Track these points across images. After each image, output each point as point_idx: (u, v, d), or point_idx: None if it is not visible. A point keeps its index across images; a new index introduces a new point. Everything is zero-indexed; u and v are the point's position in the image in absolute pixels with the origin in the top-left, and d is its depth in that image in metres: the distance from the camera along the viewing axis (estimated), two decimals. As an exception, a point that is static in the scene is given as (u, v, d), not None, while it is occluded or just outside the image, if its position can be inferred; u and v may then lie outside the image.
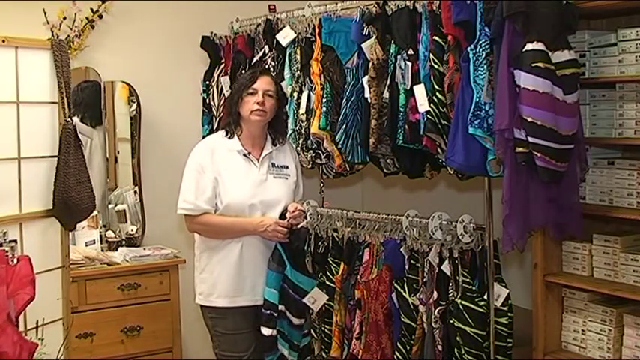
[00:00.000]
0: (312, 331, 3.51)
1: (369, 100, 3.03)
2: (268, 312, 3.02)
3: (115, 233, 4.08)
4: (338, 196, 4.07)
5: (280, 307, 3.05)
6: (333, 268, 3.39)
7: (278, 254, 3.04)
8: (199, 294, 3.11)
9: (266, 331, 3.03)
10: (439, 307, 2.97)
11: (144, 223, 4.16)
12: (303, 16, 3.45)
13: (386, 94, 2.98)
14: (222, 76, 3.84)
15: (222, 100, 3.81)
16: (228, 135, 3.08)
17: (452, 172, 2.88)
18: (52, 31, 3.73)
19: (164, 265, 3.85)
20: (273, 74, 3.31)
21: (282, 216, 3.05)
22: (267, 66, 3.58)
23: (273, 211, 3.06)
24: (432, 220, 3.08)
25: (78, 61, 3.91)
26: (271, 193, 3.07)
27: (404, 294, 3.10)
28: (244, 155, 3.06)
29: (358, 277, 3.27)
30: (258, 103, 3.01)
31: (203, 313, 3.14)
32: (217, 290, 3.03)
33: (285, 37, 3.46)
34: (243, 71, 3.75)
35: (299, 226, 3.07)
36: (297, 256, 3.11)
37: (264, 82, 3.06)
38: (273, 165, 3.12)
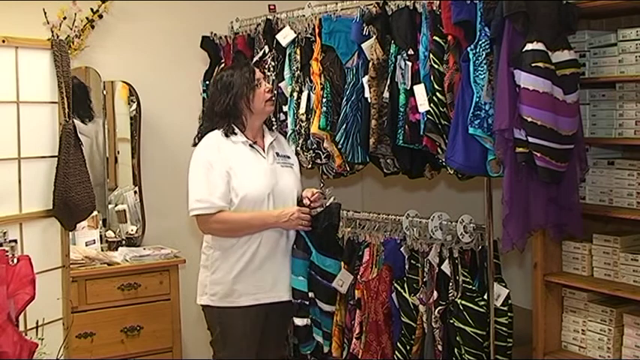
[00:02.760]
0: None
1: (369, 100, 3.02)
2: (299, 301, 2.97)
3: (115, 233, 4.08)
4: (338, 196, 4.06)
5: (310, 294, 3.00)
6: (333, 268, 3.39)
7: (302, 241, 2.98)
8: (212, 295, 2.96)
9: (300, 321, 2.99)
10: (439, 307, 2.97)
11: (144, 223, 4.16)
12: (303, 16, 3.45)
13: (386, 94, 2.98)
14: (222, 76, 3.84)
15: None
16: (229, 132, 2.98)
17: (452, 172, 2.88)
18: (52, 31, 3.73)
19: (164, 265, 3.85)
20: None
21: (300, 203, 3.01)
22: (267, 66, 3.59)
23: (288, 199, 3.00)
24: (432, 220, 3.08)
25: (78, 61, 3.92)
26: (283, 182, 3.01)
27: (404, 294, 3.10)
28: (250, 146, 2.99)
29: (358, 277, 3.26)
30: (268, 91, 3.03)
31: (209, 316, 3.01)
32: (238, 290, 2.92)
33: (285, 37, 3.46)
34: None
35: (328, 203, 3.02)
36: (322, 240, 3.02)
37: (259, 72, 3.09)
38: (277, 154, 3.08)
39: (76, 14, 3.86)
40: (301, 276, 2.98)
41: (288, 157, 3.14)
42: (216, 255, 2.98)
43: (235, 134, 2.99)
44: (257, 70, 3.07)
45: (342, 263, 3.19)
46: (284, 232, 3.00)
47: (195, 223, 3.01)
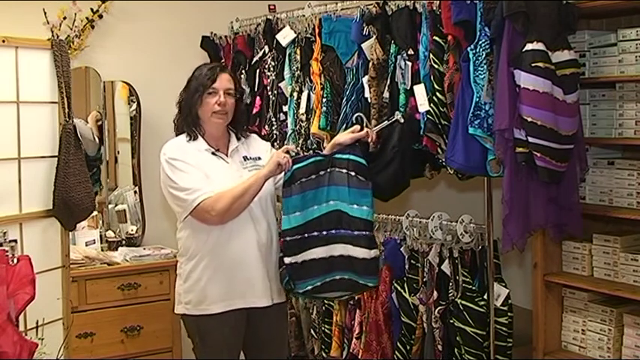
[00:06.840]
0: (313, 331, 3.52)
1: (369, 100, 3.02)
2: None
3: (115, 233, 4.08)
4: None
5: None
6: (333, 268, 3.38)
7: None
8: (186, 304, 2.86)
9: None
10: (439, 307, 2.97)
11: (144, 223, 4.16)
12: (303, 16, 3.45)
13: (386, 94, 2.98)
14: (222, 76, 3.83)
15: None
16: (192, 137, 2.85)
17: (452, 172, 2.88)
18: (52, 31, 3.73)
19: (164, 265, 3.85)
20: (231, 72, 3.08)
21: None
22: (267, 66, 3.58)
23: (261, 201, 2.83)
24: (432, 220, 3.08)
25: (78, 61, 3.91)
26: None
27: (404, 294, 3.10)
28: (213, 153, 2.84)
29: (358, 277, 3.26)
30: (219, 104, 2.79)
31: (188, 325, 2.93)
32: (209, 297, 2.81)
33: (285, 37, 3.46)
34: (243, 71, 3.75)
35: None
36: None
37: (225, 81, 2.83)
38: (245, 158, 2.90)
39: (76, 14, 3.86)
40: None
41: (259, 159, 2.92)
42: (187, 261, 2.89)
43: (197, 140, 2.86)
44: (225, 79, 2.83)
45: None
46: (255, 237, 2.82)
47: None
